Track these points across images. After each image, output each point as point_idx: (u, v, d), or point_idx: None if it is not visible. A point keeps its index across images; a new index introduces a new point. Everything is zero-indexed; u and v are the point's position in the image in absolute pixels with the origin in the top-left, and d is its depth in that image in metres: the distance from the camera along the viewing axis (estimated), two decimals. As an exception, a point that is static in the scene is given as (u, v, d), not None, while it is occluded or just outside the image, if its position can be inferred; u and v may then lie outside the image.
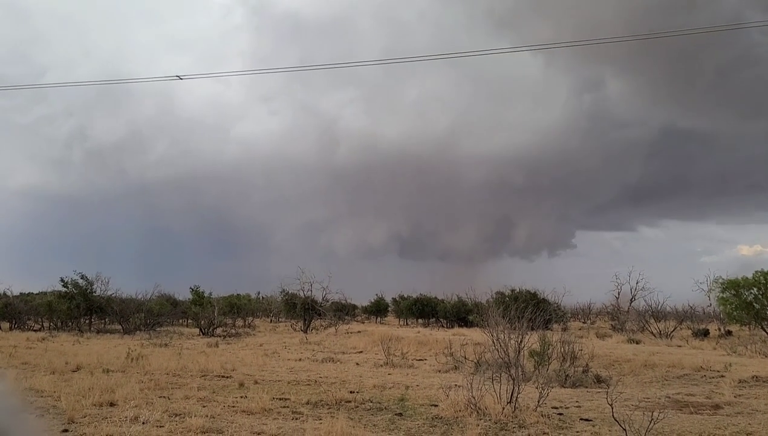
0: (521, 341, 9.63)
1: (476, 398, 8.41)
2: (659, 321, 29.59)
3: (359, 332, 26.78)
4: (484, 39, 66.37)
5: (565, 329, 27.73)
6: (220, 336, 27.28)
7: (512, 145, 74.55)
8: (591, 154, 77.12)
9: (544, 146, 74.74)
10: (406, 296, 42.67)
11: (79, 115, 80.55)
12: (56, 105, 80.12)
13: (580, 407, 9.27)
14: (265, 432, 7.17)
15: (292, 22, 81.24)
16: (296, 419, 8.13)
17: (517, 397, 8.45)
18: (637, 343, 22.85)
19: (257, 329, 34.11)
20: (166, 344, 21.01)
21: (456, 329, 30.39)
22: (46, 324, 30.14)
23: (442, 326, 35.79)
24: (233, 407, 8.81)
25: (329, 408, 8.94)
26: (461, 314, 35.55)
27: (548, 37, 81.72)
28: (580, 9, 65.82)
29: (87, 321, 30.30)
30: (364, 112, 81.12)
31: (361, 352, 20.37)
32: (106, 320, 31.29)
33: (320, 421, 7.77)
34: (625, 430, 6.64)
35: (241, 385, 11.25)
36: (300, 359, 17.41)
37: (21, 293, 35.07)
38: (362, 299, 47.64)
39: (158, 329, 29.58)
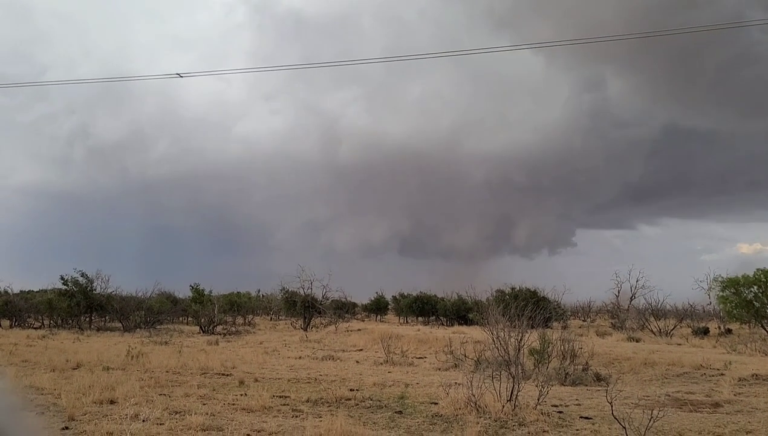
0: (521, 339, 9.64)
1: (476, 396, 8.42)
2: (659, 319, 29.62)
3: (359, 330, 26.81)
4: (484, 38, 66.38)
5: (565, 327, 27.73)
6: (220, 334, 27.29)
7: (513, 144, 74.66)
8: (592, 153, 77.13)
9: (545, 145, 74.86)
10: (406, 294, 42.70)
11: (80, 114, 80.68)
12: (58, 103, 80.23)
13: (579, 405, 9.27)
14: (265, 430, 7.18)
15: (294, 21, 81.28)
16: (296, 416, 8.13)
17: (516, 395, 8.45)
18: (637, 341, 22.85)
19: (257, 327, 34.13)
20: (166, 342, 21.01)
21: (456, 327, 30.43)
22: (46, 322, 30.17)
23: (442, 324, 35.84)
24: (233, 404, 8.81)
25: (329, 406, 8.94)
26: (461, 312, 35.60)
27: (548, 37, 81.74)
28: (580, 9, 65.75)
29: (87, 319, 30.30)
30: (365, 110, 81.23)
31: (361, 350, 20.38)
32: (107, 317, 31.30)
33: (320, 419, 7.77)
34: (624, 428, 6.64)
35: (241, 383, 11.25)
36: (300, 357, 17.42)
37: (21, 291, 35.10)
38: (362, 297, 47.71)
39: (158, 326, 29.57)
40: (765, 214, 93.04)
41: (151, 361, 13.99)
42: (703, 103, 73.67)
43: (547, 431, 7.39)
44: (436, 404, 8.98)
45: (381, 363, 15.79)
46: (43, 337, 22.53)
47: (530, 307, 10.79)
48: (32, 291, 37.46)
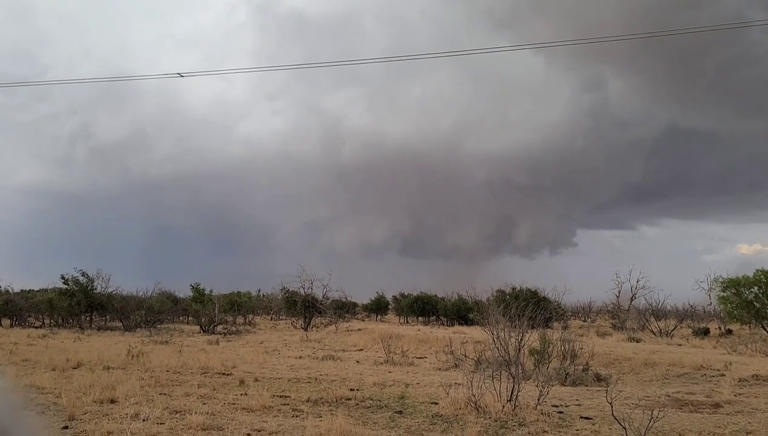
0: (521, 339, 9.63)
1: (476, 396, 8.41)
2: (659, 320, 29.63)
3: (359, 329, 26.81)
4: (485, 39, 66.38)
5: (565, 328, 27.75)
6: (220, 334, 27.31)
7: (514, 144, 74.66)
8: (592, 153, 77.11)
9: (546, 145, 74.86)
10: (406, 294, 42.73)
11: (82, 113, 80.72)
12: (59, 103, 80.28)
13: (580, 405, 9.27)
14: (265, 429, 7.18)
15: (296, 21, 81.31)
16: (296, 416, 8.13)
17: (517, 395, 8.45)
18: (637, 341, 22.85)
19: (258, 327, 34.14)
20: (166, 342, 21.03)
21: (456, 327, 30.44)
22: (46, 321, 30.21)
23: (443, 324, 35.85)
24: (233, 404, 8.82)
25: (329, 406, 8.94)
26: (462, 312, 35.61)
27: (548, 37, 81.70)
28: (581, 9, 65.74)
29: (88, 318, 30.33)
30: (367, 110, 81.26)
31: (362, 350, 20.37)
32: (107, 317, 31.34)
33: (320, 418, 7.78)
34: (624, 428, 6.64)
35: (242, 382, 11.26)
36: (300, 357, 17.43)
37: (22, 290, 35.17)
38: (363, 297, 47.76)
39: (159, 326, 29.60)
40: (765, 214, 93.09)
41: (152, 360, 14.00)
42: (703, 103, 73.72)
43: (547, 432, 7.39)
44: (436, 404, 8.98)
45: (381, 363, 15.79)
46: (44, 336, 22.55)
47: (531, 307, 10.78)
48: (33, 290, 37.51)
